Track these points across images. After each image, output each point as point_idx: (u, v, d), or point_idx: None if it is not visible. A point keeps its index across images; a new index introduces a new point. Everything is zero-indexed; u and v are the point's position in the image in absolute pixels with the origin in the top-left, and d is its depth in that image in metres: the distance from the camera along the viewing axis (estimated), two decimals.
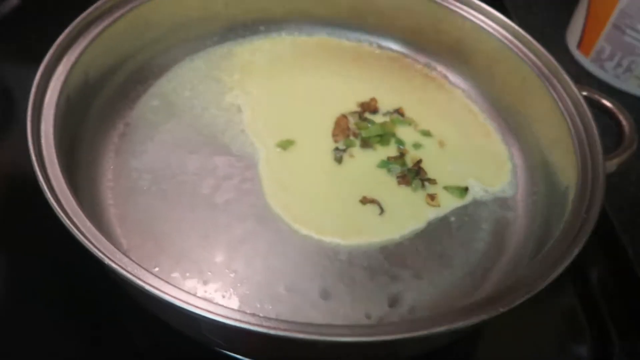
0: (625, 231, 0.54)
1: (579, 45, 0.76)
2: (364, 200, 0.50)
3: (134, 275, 0.33)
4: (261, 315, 0.33)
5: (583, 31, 0.75)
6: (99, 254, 0.34)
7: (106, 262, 0.33)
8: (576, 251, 0.37)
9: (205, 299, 0.34)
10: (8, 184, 0.55)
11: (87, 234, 0.35)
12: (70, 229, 0.35)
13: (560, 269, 0.36)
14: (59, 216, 0.35)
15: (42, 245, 0.49)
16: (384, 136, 0.56)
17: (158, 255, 0.45)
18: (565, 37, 0.80)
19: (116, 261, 0.34)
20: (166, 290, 0.33)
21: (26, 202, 0.50)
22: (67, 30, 0.48)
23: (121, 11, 0.53)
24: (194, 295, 0.34)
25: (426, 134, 0.58)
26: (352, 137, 0.56)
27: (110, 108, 0.54)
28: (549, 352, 0.51)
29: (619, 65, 0.71)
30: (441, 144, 0.57)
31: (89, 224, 0.36)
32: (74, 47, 0.48)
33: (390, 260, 0.47)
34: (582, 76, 0.75)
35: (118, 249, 0.36)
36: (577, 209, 0.41)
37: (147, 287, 0.32)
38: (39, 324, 0.46)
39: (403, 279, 0.46)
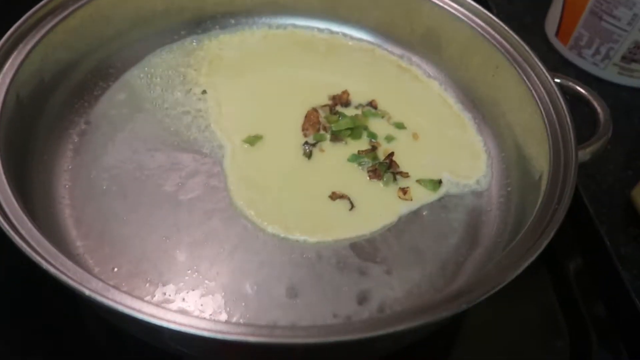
0: (602, 222, 0.53)
1: (557, 33, 0.75)
2: (334, 196, 0.49)
3: (74, 281, 0.31)
4: (219, 319, 0.32)
5: (561, 19, 0.74)
6: (36, 258, 0.32)
7: (44, 267, 0.31)
8: (545, 243, 0.35)
9: (157, 305, 0.32)
10: None
11: (27, 237, 0.33)
12: (7, 232, 0.33)
13: (527, 262, 0.34)
14: (7, 231, 0.33)
15: None
16: (355, 129, 0.54)
17: (116, 258, 0.43)
18: (544, 25, 0.78)
19: (57, 265, 0.32)
20: (113, 297, 0.31)
21: None
22: (16, 25, 0.45)
23: (77, 4, 0.51)
24: (149, 302, 0.32)
25: (399, 126, 0.56)
26: (322, 131, 0.54)
27: (69, 106, 0.52)
28: (528, 348, 0.50)
29: (597, 52, 0.70)
30: (415, 136, 0.56)
31: (29, 225, 0.34)
32: (24, 43, 0.46)
33: (360, 256, 0.45)
34: (561, 65, 0.74)
35: (71, 252, 0.34)
36: (549, 199, 0.39)
37: (88, 293, 0.31)
38: None
39: (373, 275, 0.44)
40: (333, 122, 0.55)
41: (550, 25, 0.77)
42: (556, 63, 0.74)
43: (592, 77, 0.72)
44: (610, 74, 0.71)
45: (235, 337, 0.30)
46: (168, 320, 0.31)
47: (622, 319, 0.50)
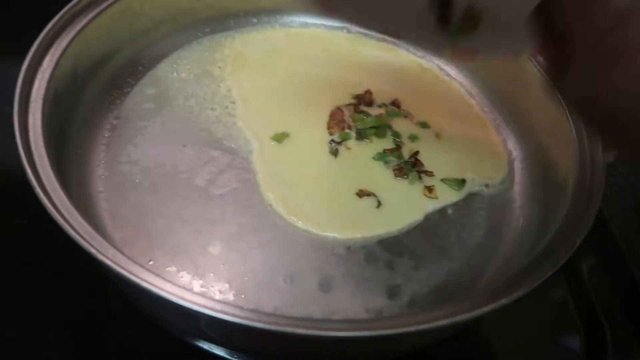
0: (616, 224, 0.54)
1: None
2: (361, 194, 0.50)
3: (127, 271, 0.32)
4: (259, 310, 0.33)
5: None
6: (91, 250, 0.33)
7: (99, 258, 0.32)
8: (578, 242, 0.37)
9: (201, 295, 0.33)
10: None
11: (79, 229, 0.34)
12: (62, 225, 0.34)
13: (562, 262, 0.35)
14: (50, 212, 0.34)
15: (33, 242, 0.48)
16: (379, 128, 0.55)
17: (152, 250, 0.44)
18: None
19: (109, 257, 0.33)
20: (162, 286, 0.32)
21: (14, 198, 0.49)
22: (52, 22, 0.46)
23: (109, 1, 0.51)
24: (191, 290, 0.34)
25: (423, 125, 0.57)
26: (347, 130, 0.55)
27: (100, 101, 0.53)
28: (542, 346, 0.51)
29: None
30: (438, 135, 0.57)
31: (80, 218, 0.35)
32: (60, 39, 0.46)
33: (389, 252, 0.46)
34: None
35: (110, 244, 0.35)
36: (577, 201, 0.41)
37: (143, 284, 0.32)
38: (30, 323, 0.45)
39: (402, 271, 0.45)
40: (358, 120, 0.56)
41: None
42: None
43: None
44: None
45: (274, 327, 0.31)
46: (213, 309, 0.32)
47: (636, 318, 0.51)
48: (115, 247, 0.34)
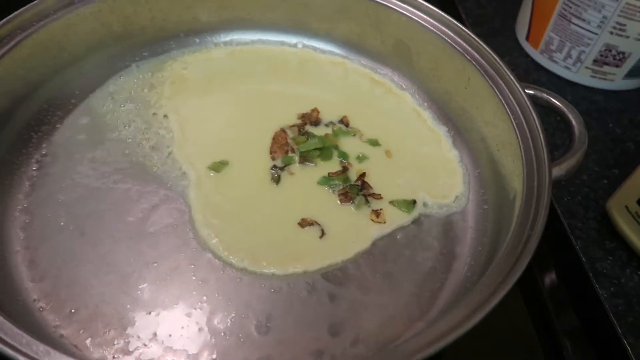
0: (577, 237, 0.52)
1: (528, 37, 0.74)
2: (303, 223, 0.47)
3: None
4: None
5: (530, 22, 0.73)
6: None
7: None
8: (518, 274, 0.34)
9: None
10: None
11: None
12: None
13: (497, 298, 0.33)
14: None
15: None
16: (324, 150, 0.52)
17: (74, 301, 0.40)
18: (515, 29, 0.77)
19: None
20: None
21: None
22: None
23: (25, 33, 0.48)
24: None
25: (373, 143, 0.54)
26: (291, 154, 0.52)
27: (23, 139, 0.49)
28: None
29: (568, 56, 0.69)
30: (388, 154, 0.54)
31: None
32: None
33: (333, 285, 0.44)
34: (533, 69, 0.72)
35: (24, 298, 0.32)
36: (523, 223, 0.38)
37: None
38: None
39: (346, 306, 0.42)
40: (301, 143, 0.53)
41: (520, 29, 0.75)
42: (528, 67, 0.73)
43: (564, 81, 0.71)
44: (582, 77, 0.70)
45: None
46: None
47: (598, 337, 0.48)
48: (31, 303, 0.31)
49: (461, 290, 0.43)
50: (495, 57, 0.51)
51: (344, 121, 0.56)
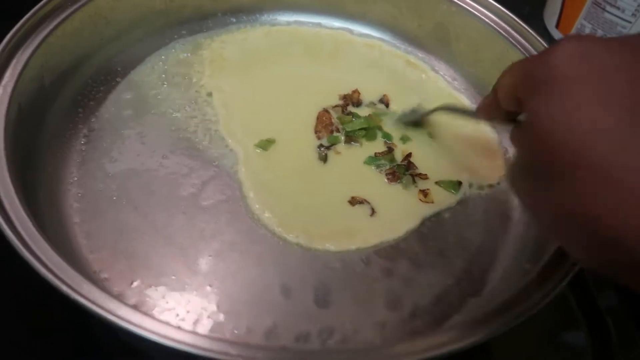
0: None
1: (558, 24, 0.74)
2: (353, 201, 0.47)
3: (104, 310, 0.29)
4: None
5: (562, 9, 0.73)
6: (62, 287, 0.30)
7: (72, 298, 0.29)
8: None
9: (186, 331, 0.31)
10: None
11: (48, 263, 0.31)
12: (27, 259, 0.31)
13: (567, 278, 0.33)
14: (14, 244, 0.31)
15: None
16: (369, 130, 0.53)
17: (133, 272, 0.41)
18: (543, 16, 0.78)
19: (84, 294, 0.30)
20: (143, 325, 0.29)
21: None
22: (12, 31, 0.43)
23: (76, 5, 0.48)
24: (175, 326, 0.31)
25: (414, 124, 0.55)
26: (336, 133, 0.53)
27: (71, 113, 0.49)
28: (546, 344, 0.49)
29: None
30: (430, 135, 0.54)
31: (51, 251, 0.31)
32: (22, 50, 0.43)
33: (386, 262, 0.44)
34: None
35: (85, 268, 0.32)
36: None
37: (121, 323, 0.29)
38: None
39: (400, 281, 0.43)
40: (346, 122, 0.53)
41: (550, 16, 0.76)
42: None
43: None
44: None
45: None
46: (199, 347, 0.30)
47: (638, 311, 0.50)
48: (90, 276, 0.31)
49: (512, 269, 0.44)
50: (540, 40, 0.52)
51: (384, 101, 0.57)
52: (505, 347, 0.49)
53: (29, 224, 0.34)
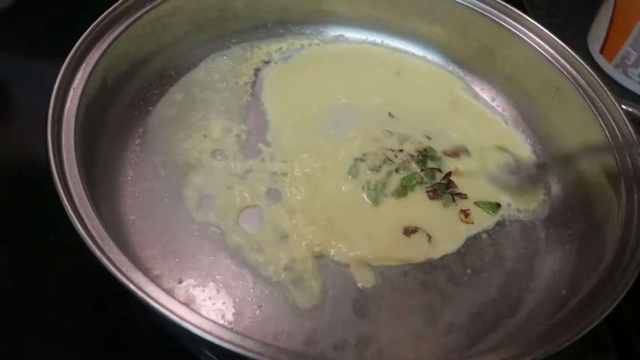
0: None
1: (602, 49, 0.74)
2: (408, 232, 0.47)
3: (158, 303, 0.31)
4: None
5: (607, 36, 0.73)
6: (123, 280, 0.32)
7: (131, 289, 0.32)
8: (622, 295, 0.35)
9: (232, 331, 0.32)
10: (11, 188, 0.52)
11: (113, 258, 0.33)
12: (96, 253, 0.33)
13: (608, 311, 0.34)
14: (89, 245, 0.33)
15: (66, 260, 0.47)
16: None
17: (182, 271, 0.43)
18: (587, 40, 0.78)
19: (141, 287, 0.32)
20: (196, 322, 0.31)
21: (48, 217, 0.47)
22: (83, 36, 0.45)
23: (140, 12, 0.50)
24: (223, 325, 0.33)
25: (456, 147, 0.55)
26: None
27: (128, 114, 0.52)
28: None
29: None
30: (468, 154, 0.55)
31: (112, 243, 0.34)
32: (91, 54, 0.45)
33: (425, 277, 0.45)
34: (603, 82, 0.73)
35: (139, 264, 0.34)
36: (622, 245, 0.39)
37: (173, 318, 0.31)
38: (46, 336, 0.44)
39: (438, 296, 0.44)
40: (428, 176, 0.52)
41: (594, 40, 0.76)
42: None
43: (636, 96, 0.71)
44: None
45: None
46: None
47: None
48: (144, 271, 0.34)
49: (549, 293, 0.44)
50: (588, 68, 0.52)
51: (453, 153, 0.55)
52: None
53: (96, 221, 0.36)
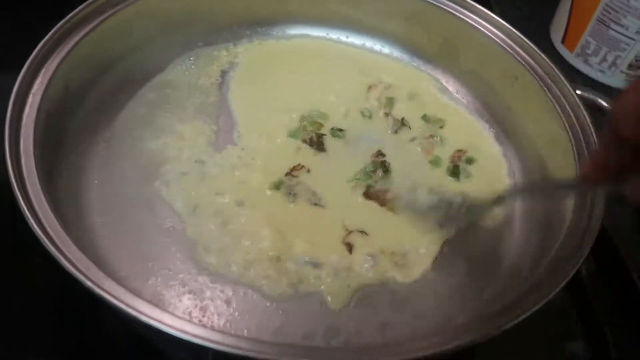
0: (615, 233, 0.54)
1: (563, 40, 0.76)
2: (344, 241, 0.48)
3: (125, 304, 0.31)
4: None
5: (567, 26, 0.75)
6: (88, 283, 0.32)
7: (96, 292, 0.32)
8: (580, 262, 0.36)
9: (201, 326, 0.33)
10: None
11: (74, 260, 0.33)
12: (57, 257, 0.33)
13: (565, 281, 0.35)
14: (44, 243, 0.33)
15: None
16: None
17: (150, 271, 0.43)
18: (549, 31, 0.80)
19: (106, 289, 0.32)
20: (161, 319, 0.32)
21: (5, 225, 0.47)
22: (43, 41, 0.45)
23: (103, 16, 0.50)
24: (192, 322, 0.33)
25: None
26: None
27: (94, 119, 0.52)
28: (544, 352, 0.50)
29: (604, 60, 0.71)
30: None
31: (75, 249, 0.34)
32: (51, 59, 0.45)
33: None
34: (565, 71, 0.75)
35: (107, 269, 0.34)
36: (578, 217, 0.40)
37: (142, 317, 0.31)
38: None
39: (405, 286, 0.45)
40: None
41: (556, 31, 0.78)
42: (561, 69, 0.75)
43: (597, 83, 0.73)
44: (617, 81, 0.72)
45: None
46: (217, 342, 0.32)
47: (636, 321, 0.51)
48: (111, 273, 0.34)
49: (513, 277, 0.46)
50: (544, 57, 0.54)
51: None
52: (506, 356, 0.50)
53: (56, 224, 0.36)
